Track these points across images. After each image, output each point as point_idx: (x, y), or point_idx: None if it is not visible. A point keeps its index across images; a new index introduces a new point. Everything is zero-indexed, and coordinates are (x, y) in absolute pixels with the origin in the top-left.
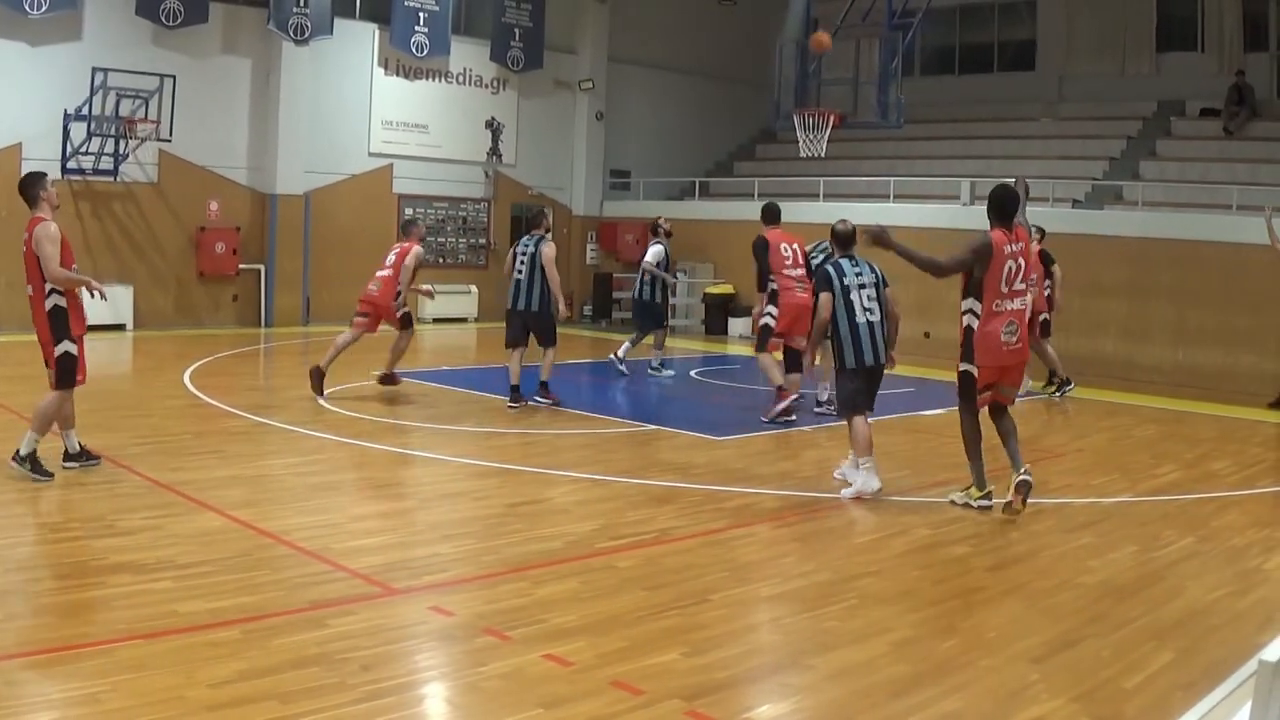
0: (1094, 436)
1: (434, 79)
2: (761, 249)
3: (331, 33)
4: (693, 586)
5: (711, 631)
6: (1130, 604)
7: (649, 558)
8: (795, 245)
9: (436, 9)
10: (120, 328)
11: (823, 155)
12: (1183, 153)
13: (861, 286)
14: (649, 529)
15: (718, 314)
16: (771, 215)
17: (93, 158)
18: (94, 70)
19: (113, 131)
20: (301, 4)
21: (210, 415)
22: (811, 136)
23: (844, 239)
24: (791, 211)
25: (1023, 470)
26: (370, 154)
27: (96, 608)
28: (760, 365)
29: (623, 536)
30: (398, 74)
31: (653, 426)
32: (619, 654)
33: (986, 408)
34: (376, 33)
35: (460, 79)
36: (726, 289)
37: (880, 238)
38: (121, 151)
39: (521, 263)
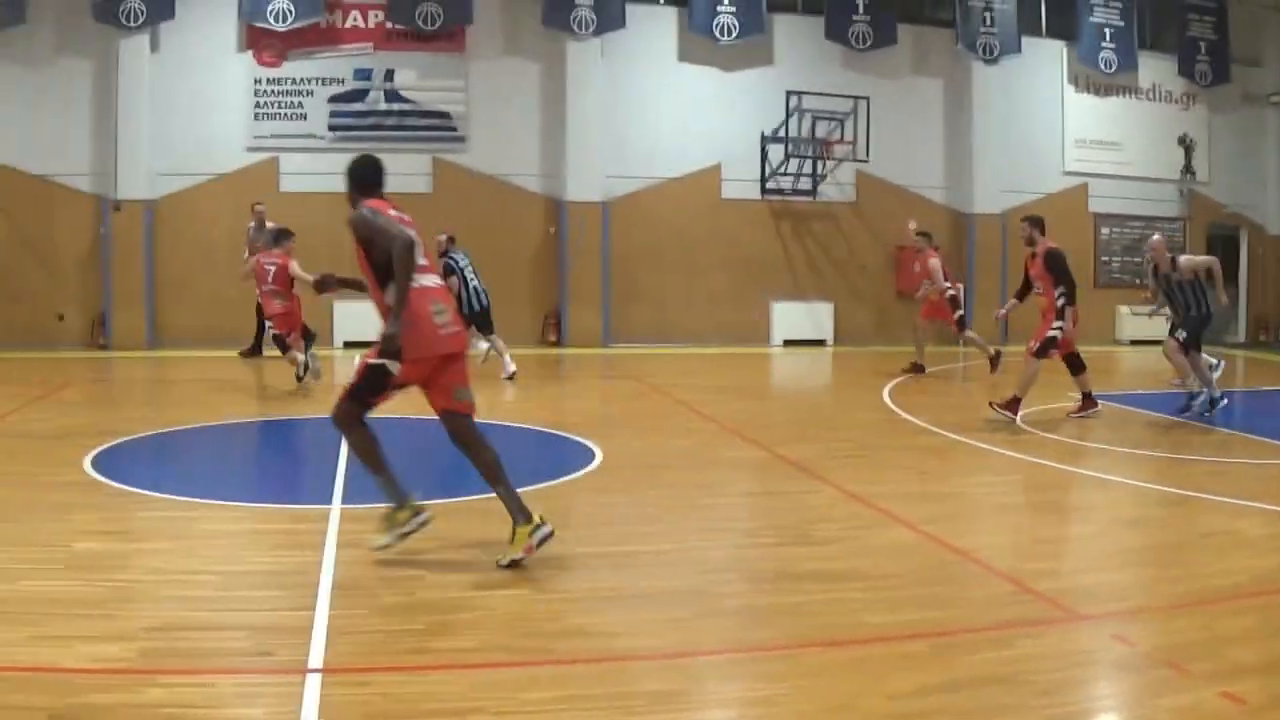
0: None
1: (1123, 95)
2: None
3: (1019, 50)
4: None
5: None
6: None
7: None
8: None
9: (1121, 24)
10: (820, 343)
11: None
12: None
13: None
14: None
15: None
16: None
17: (791, 178)
18: (788, 94)
19: (809, 153)
20: (989, 23)
21: (906, 431)
22: None
23: None
24: None
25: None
26: (1064, 173)
27: (783, 612)
28: None
29: None
30: (1087, 91)
31: None
32: None
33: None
34: (1065, 50)
35: (1149, 95)
36: None
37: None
38: (819, 172)
39: None
